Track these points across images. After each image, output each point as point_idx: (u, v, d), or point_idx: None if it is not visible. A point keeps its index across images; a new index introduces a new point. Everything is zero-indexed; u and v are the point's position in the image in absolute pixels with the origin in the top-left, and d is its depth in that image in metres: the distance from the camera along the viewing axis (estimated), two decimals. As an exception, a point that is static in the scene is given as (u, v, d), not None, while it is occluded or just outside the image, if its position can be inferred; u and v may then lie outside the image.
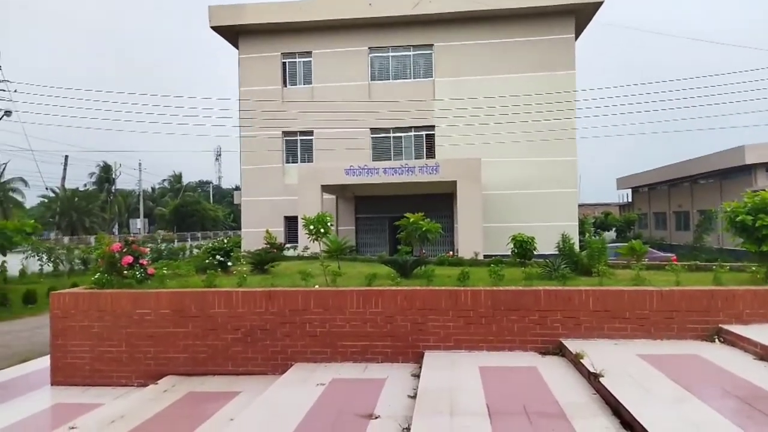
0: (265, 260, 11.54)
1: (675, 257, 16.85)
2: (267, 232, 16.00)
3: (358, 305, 7.64)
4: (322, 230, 9.13)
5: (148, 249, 10.61)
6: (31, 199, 54.80)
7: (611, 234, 44.32)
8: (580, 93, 23.25)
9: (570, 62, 23.89)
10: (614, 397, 5.11)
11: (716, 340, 7.14)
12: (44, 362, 8.54)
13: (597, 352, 6.61)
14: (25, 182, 49.44)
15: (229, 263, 11.16)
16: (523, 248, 10.02)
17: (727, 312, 7.26)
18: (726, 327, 7.12)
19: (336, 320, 7.64)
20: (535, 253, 10.39)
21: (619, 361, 6.36)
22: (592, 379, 5.86)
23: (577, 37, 24.72)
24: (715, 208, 28.92)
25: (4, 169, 48.92)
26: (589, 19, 24.76)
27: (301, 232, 13.77)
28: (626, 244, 10.92)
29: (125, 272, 8.29)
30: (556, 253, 11.68)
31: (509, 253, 11.63)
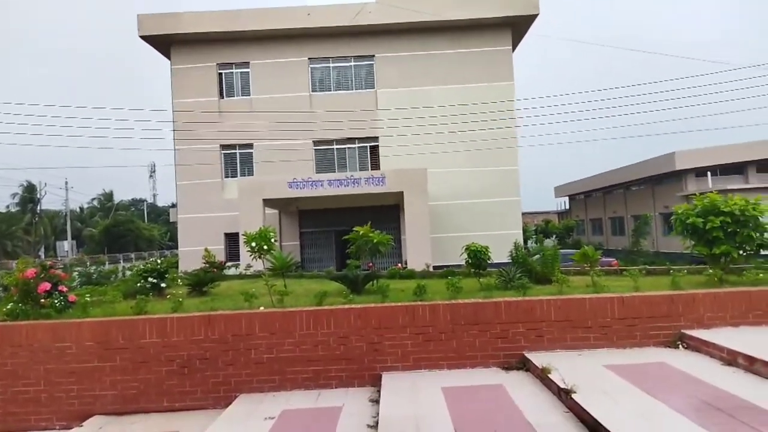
0: (203, 281, 10.70)
1: (616, 261, 17.16)
2: (206, 250, 15.07)
3: (308, 327, 7.01)
4: (265, 247, 8.44)
5: (75, 272, 9.54)
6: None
7: (551, 241, 45.52)
8: (521, 102, 23.65)
9: (508, 73, 24.26)
10: (591, 416, 4.75)
11: (680, 346, 7.00)
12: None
13: (563, 366, 6.30)
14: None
15: (164, 285, 10.25)
16: (478, 258, 9.73)
17: (688, 317, 7.16)
18: (689, 332, 7.00)
19: (284, 344, 6.98)
20: (488, 262, 10.12)
21: (588, 374, 6.06)
22: (563, 395, 5.51)
23: (514, 48, 25.19)
24: (650, 213, 30.15)
25: None
26: (525, 32, 25.30)
27: (243, 250, 12.94)
28: (576, 250, 10.87)
29: (42, 300, 7.29)
30: (509, 261, 11.56)
31: (462, 262, 11.35)
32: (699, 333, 6.93)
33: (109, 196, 79.53)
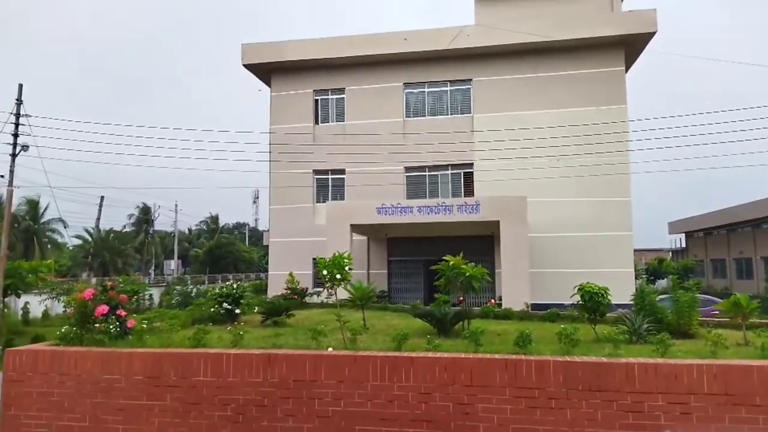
0: (279, 309, 9.86)
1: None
2: (290, 275, 14.43)
3: (382, 377, 5.78)
4: (338, 276, 7.38)
5: (174, 290, 9.04)
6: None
7: (663, 282, 40.99)
8: (635, 124, 21.32)
9: (621, 96, 22.00)
10: None
11: None
12: (-6, 437, 6.92)
13: (727, 461, 4.56)
14: (64, 223, 49.82)
15: (238, 312, 9.53)
16: (594, 301, 8.01)
17: None
18: None
19: (354, 396, 5.79)
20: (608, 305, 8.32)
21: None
22: None
23: (627, 69, 22.95)
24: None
25: (45, 210, 49.52)
26: (641, 51, 23.00)
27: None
28: (708, 296, 8.78)
29: (98, 325, 6.70)
30: (625, 304, 9.65)
31: (565, 302, 9.62)
32: None
33: (215, 219, 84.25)
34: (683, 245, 51.74)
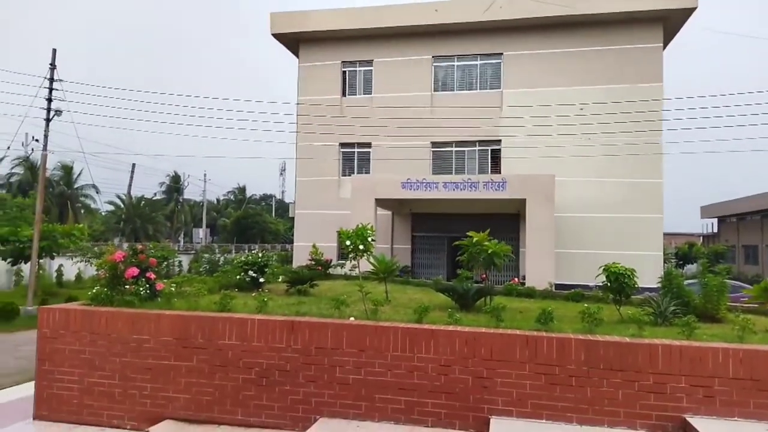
0: (303, 279, 9.98)
1: None
2: (314, 246, 14.54)
3: (403, 348, 5.84)
4: (361, 246, 7.41)
5: (204, 258, 9.24)
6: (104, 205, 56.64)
7: (692, 267, 40.14)
8: (671, 103, 20.66)
9: (657, 74, 21.29)
10: None
11: None
12: (30, 389, 7.22)
13: (749, 445, 4.51)
14: (97, 189, 51.05)
15: (262, 280, 9.68)
16: (620, 282, 7.89)
17: None
18: None
19: (374, 366, 5.87)
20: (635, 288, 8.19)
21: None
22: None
23: (665, 45, 22.13)
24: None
25: (78, 176, 50.77)
26: (680, 27, 22.11)
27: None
28: (738, 282, 8.55)
29: (128, 287, 6.90)
30: (652, 287, 9.49)
31: (589, 283, 9.51)
32: None
33: (242, 190, 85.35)
34: (715, 230, 50.51)
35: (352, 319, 6.32)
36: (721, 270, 8.94)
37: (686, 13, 21.10)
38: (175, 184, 69.58)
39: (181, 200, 70.40)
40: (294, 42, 25.10)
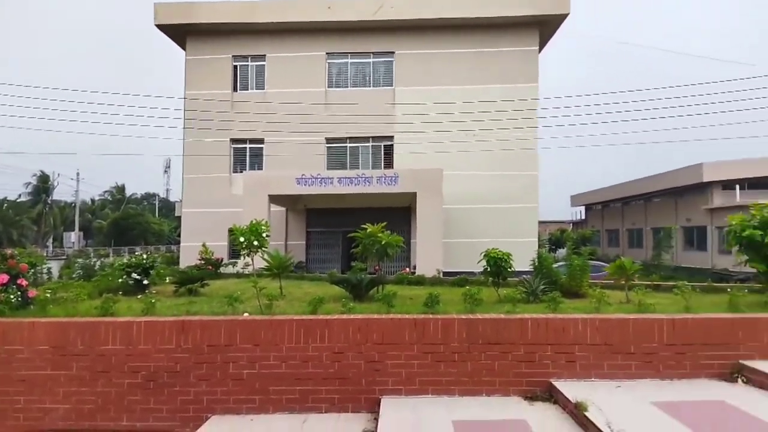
0: (192, 279, 9.67)
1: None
2: (203, 246, 14.13)
3: (297, 339, 5.96)
4: (255, 242, 7.40)
5: (76, 264, 8.57)
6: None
7: (563, 251, 44.07)
8: (546, 102, 22.51)
9: (533, 75, 23.08)
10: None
11: (738, 379, 5.85)
12: None
13: (601, 400, 5.19)
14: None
15: (146, 282, 9.26)
16: (498, 266, 8.61)
17: (748, 345, 5.99)
18: (749, 364, 5.84)
19: (269, 359, 5.93)
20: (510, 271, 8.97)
21: (633, 414, 4.93)
22: (607, 442, 4.40)
23: (541, 49, 24.05)
24: (675, 225, 28.78)
25: None
26: (554, 31, 24.12)
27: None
28: (599, 262, 9.72)
29: (-4, 295, 6.32)
30: (528, 271, 10.43)
31: (475, 270, 10.21)
32: (763, 365, 5.76)
33: (120, 189, 79.56)
34: (583, 217, 55.69)
35: (246, 314, 6.32)
36: (584, 252, 10.05)
37: (560, 19, 23.00)
38: (43, 184, 63.30)
39: (50, 202, 64.17)
40: (181, 34, 23.90)
